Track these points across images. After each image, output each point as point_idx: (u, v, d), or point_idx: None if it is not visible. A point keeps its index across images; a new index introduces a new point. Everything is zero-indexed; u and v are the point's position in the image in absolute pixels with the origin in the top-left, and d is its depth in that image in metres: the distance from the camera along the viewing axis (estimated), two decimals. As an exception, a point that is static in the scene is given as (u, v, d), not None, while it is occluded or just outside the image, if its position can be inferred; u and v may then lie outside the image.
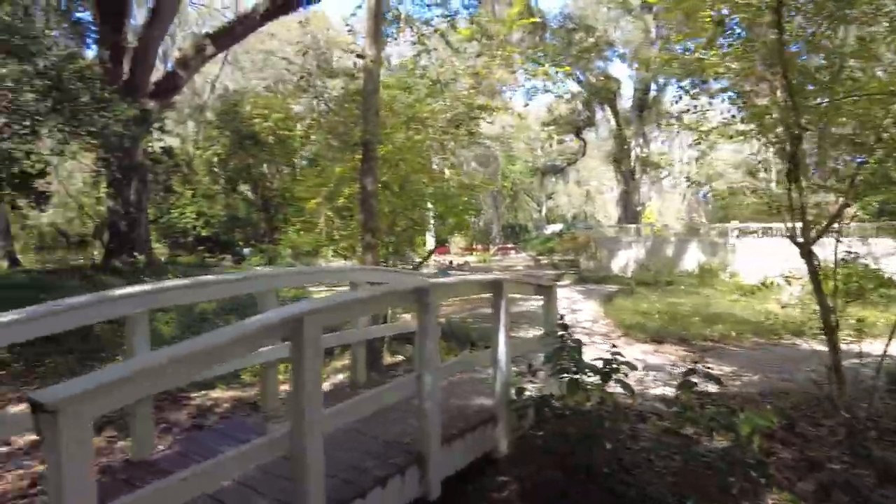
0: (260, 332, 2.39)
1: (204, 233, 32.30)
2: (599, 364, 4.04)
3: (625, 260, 23.23)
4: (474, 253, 38.51)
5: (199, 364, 2.23)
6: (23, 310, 2.79)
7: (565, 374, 4.02)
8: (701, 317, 11.17)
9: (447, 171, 8.41)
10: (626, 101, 34.92)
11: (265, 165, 33.50)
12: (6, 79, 9.79)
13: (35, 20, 10.61)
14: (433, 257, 22.32)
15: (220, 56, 16.97)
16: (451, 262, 29.03)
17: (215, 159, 31.13)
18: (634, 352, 8.54)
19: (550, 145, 37.94)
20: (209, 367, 2.93)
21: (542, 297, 5.24)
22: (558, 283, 13.70)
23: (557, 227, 45.27)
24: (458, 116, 7.94)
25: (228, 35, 15.40)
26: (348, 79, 8.56)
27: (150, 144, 11.21)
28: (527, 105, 19.77)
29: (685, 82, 6.27)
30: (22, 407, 5.95)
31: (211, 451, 3.63)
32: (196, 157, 24.77)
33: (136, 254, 14.84)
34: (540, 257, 32.28)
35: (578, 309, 12.79)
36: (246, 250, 32.37)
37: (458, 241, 38.96)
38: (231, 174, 32.14)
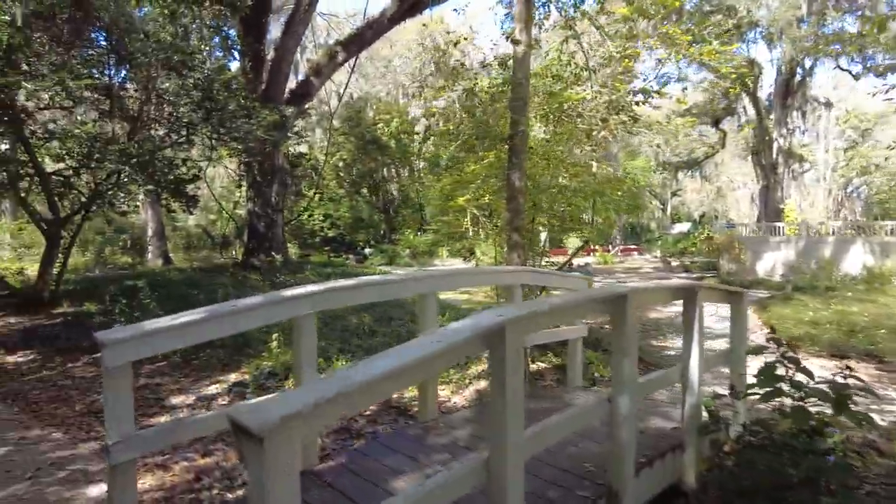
0: (468, 342, 2.04)
1: (330, 234, 33.97)
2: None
3: (771, 262, 20.96)
4: (592, 254, 36.82)
5: (410, 378, 1.95)
6: (205, 309, 2.67)
7: (778, 398, 3.33)
8: (887, 329, 9.57)
9: (594, 165, 7.79)
10: (765, 88, 31.89)
11: (386, 169, 34.61)
12: (167, 93, 10.62)
13: (191, 37, 11.41)
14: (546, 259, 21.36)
15: (346, 66, 17.38)
16: (571, 265, 27.90)
17: (341, 164, 32.60)
18: (812, 368, 7.42)
19: (677, 138, 35.45)
20: (416, 381, 2.67)
21: (728, 304, 4.52)
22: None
23: (685, 226, 42.36)
24: (617, 102, 7.26)
25: (358, 41, 15.79)
26: (501, 69, 8.15)
27: (289, 149, 11.69)
28: (685, 89, 18.41)
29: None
30: (182, 398, 6.23)
31: (377, 465, 3.40)
32: (324, 161, 25.96)
33: (273, 253, 15.64)
34: (670, 259, 30.22)
35: (728, 316, 11.54)
36: (367, 250, 33.63)
37: (573, 242, 37.49)
38: (355, 178, 33.48)
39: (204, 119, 10.41)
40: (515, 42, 5.56)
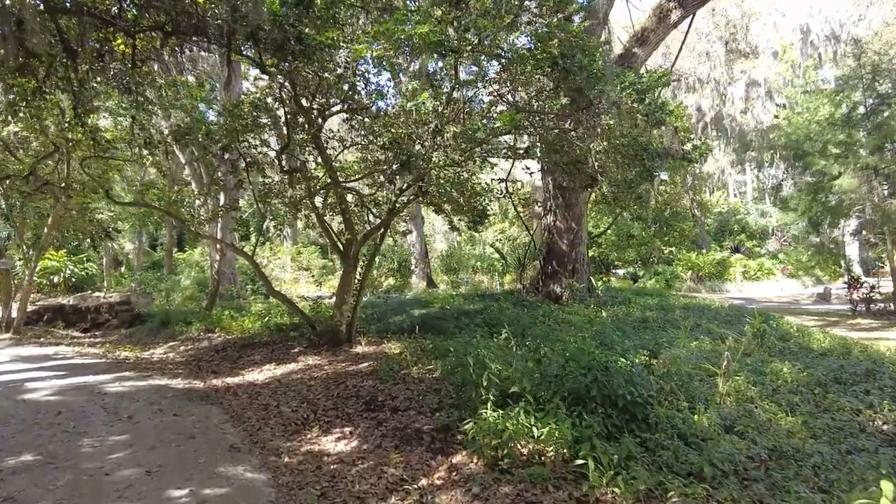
0: None
1: (590, 253, 29.92)
2: None
3: None
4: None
5: None
6: None
7: None
8: None
9: None
10: None
11: (655, 178, 29.39)
12: (506, 51, 7.53)
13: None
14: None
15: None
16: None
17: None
18: None
19: None
20: None
21: None
22: None
23: None
24: None
25: (704, -11, 11.61)
26: None
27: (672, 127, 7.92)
28: None
29: None
30: None
31: None
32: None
33: (590, 278, 12.04)
34: None
35: None
36: (620, 271, 28.90)
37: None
38: (617, 190, 29.01)
39: (557, 84, 7.09)
40: None
